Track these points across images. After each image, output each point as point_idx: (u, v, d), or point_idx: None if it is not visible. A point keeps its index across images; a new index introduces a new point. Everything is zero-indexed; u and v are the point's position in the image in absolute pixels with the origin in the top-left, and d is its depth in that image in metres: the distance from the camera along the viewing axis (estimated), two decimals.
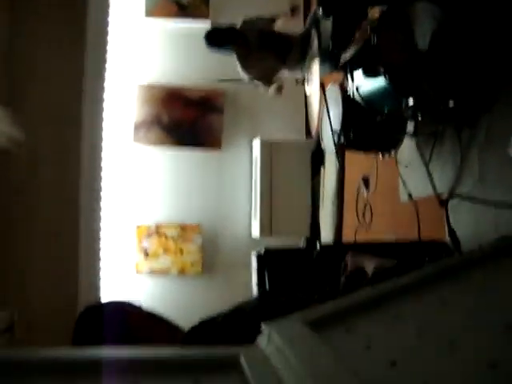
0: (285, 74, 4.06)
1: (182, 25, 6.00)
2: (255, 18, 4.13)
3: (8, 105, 4.87)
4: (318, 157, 5.21)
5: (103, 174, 5.42)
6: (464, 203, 2.51)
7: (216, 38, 3.96)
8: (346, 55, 3.02)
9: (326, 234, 4.67)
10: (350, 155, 4.34)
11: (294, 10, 4.18)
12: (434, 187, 2.84)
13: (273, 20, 4.17)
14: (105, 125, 5.47)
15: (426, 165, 2.92)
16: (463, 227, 2.40)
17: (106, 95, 5.49)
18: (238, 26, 4.04)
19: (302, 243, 4.97)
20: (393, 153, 3.28)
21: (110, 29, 5.56)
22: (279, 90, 4.07)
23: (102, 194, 5.39)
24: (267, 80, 4.00)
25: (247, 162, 5.91)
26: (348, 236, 4.32)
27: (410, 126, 3.13)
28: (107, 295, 5.25)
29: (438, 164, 2.89)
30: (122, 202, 5.69)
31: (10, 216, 5.04)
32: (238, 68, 4.01)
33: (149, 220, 5.69)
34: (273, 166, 5.41)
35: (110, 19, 5.58)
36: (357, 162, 4.18)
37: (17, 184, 5.15)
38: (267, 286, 2.73)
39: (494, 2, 2.51)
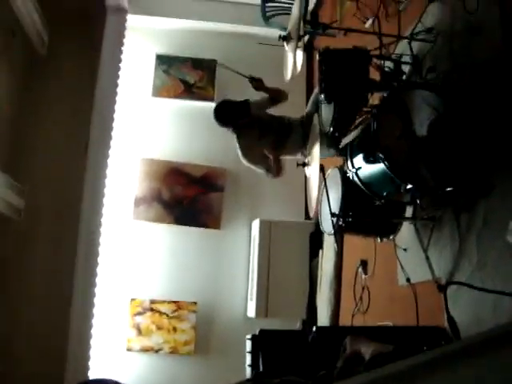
0: (285, 157, 4.13)
1: (188, 104, 6.19)
2: (257, 100, 4.24)
3: (10, 172, 4.94)
4: (316, 239, 5.23)
5: (101, 247, 5.42)
6: (463, 289, 2.50)
7: (229, 113, 4.01)
8: (346, 139, 3.10)
9: (323, 317, 4.61)
10: (348, 238, 4.36)
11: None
12: (432, 272, 2.83)
13: (270, 100, 4.24)
14: (105, 199, 5.53)
15: (425, 249, 2.93)
16: (462, 313, 2.37)
17: (108, 169, 5.58)
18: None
19: (298, 325, 4.91)
20: (391, 237, 3.30)
21: (116, 106, 5.74)
22: (279, 171, 4.12)
23: (98, 269, 5.37)
24: (267, 167, 4.06)
25: (245, 242, 5.91)
26: (345, 319, 4.26)
27: (409, 211, 3.17)
28: (96, 372, 5.11)
29: (437, 248, 2.90)
30: (119, 276, 5.63)
31: (2, 283, 4.99)
32: (239, 155, 4.09)
33: (143, 295, 5.62)
34: (271, 245, 5.40)
35: (118, 98, 5.78)
36: (355, 244, 4.19)
37: (13, 252, 5.13)
38: (261, 368, 2.67)
39: (490, 93, 2.60)
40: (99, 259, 5.39)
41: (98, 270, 5.38)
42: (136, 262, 5.72)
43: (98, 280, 5.35)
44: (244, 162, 4.08)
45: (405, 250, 3.27)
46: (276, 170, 4.04)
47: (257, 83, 4.14)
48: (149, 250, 5.78)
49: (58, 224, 5.40)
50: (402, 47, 3.60)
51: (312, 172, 3.17)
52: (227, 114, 3.99)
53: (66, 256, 5.25)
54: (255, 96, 4.20)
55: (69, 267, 5.20)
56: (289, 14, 4.57)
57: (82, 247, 5.31)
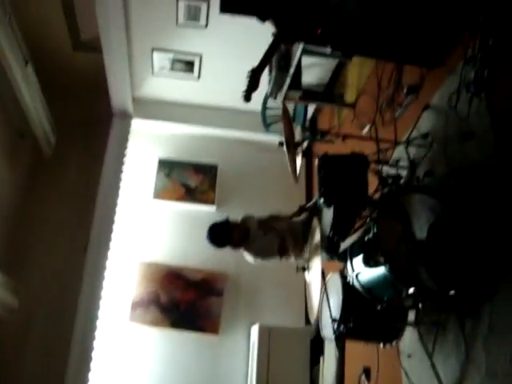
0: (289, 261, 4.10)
1: (188, 207, 6.25)
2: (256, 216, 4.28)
3: (6, 270, 4.91)
4: (317, 345, 5.08)
5: (96, 350, 5.27)
6: None
7: (219, 235, 4.04)
8: (346, 243, 3.09)
9: None
10: (350, 344, 4.21)
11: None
12: (439, 380, 2.72)
13: (274, 217, 4.31)
14: (102, 301, 5.45)
15: (430, 356, 2.83)
16: None
17: (106, 272, 5.55)
18: (240, 220, 4.18)
19: None
20: (394, 342, 3.20)
21: (117, 208, 5.81)
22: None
23: (89, 375, 5.20)
24: (274, 255, 4.03)
25: (244, 348, 5.73)
26: None
27: (411, 315, 3.10)
28: None
29: (442, 355, 2.80)
30: (112, 380, 5.41)
31: None
32: (246, 256, 4.07)
33: None
34: (271, 352, 5.23)
35: (119, 199, 5.86)
36: (357, 351, 4.05)
37: (2, 353, 4.99)
38: None
39: (488, 195, 2.63)
40: (92, 364, 5.21)
41: (90, 375, 5.19)
42: (131, 366, 5.51)
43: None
44: (261, 262, 4.05)
45: (409, 356, 3.16)
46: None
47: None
48: (145, 354, 5.59)
49: (52, 325, 5.30)
50: (399, 152, 3.68)
51: (312, 277, 3.14)
52: (217, 239, 4.02)
53: (57, 360, 5.09)
54: (257, 200, 4.25)
55: (60, 372, 5.03)
56: None
57: (75, 351, 5.16)
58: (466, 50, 2.99)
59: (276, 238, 4.01)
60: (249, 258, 4.06)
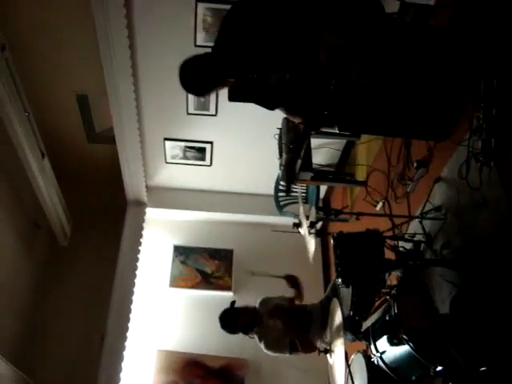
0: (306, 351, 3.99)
1: (205, 293, 6.18)
2: (275, 297, 4.23)
3: (19, 364, 4.82)
4: None
5: None
6: None
7: (226, 322, 3.99)
8: (368, 322, 3.02)
9: None
10: None
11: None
12: None
13: (292, 300, 4.26)
14: None
15: None
16: None
17: (124, 362, 5.43)
18: (257, 305, 4.13)
19: None
20: None
21: (134, 297, 5.76)
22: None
23: None
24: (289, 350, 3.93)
25: None
26: None
27: None
28: None
29: None
30: None
31: None
32: (262, 348, 3.99)
33: None
34: None
35: (135, 288, 5.83)
36: None
37: None
38: None
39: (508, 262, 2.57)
40: None
41: None
42: None
43: None
44: (269, 353, 3.95)
45: None
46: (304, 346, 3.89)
47: (292, 280, 4.18)
48: None
49: None
50: (413, 226, 3.66)
51: (335, 359, 3.04)
52: (227, 325, 3.99)
53: None
54: (274, 282, 4.20)
55: None
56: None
57: None
58: (471, 121, 3.03)
59: (287, 332, 3.92)
60: (262, 347, 3.98)
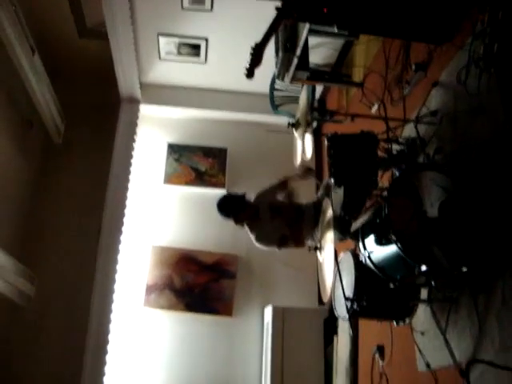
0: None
1: (199, 191, 6.27)
2: (268, 187, 4.29)
3: (21, 258, 4.98)
4: (330, 325, 5.11)
5: (111, 334, 5.34)
6: (487, 373, 2.40)
7: (229, 206, 4.08)
8: (358, 222, 3.10)
9: None
10: (363, 323, 4.26)
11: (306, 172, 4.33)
12: (452, 356, 2.73)
13: (284, 184, 4.31)
14: (116, 286, 5.51)
15: (443, 332, 2.85)
16: None
17: (120, 256, 5.60)
18: (253, 199, 4.20)
19: None
20: (407, 320, 3.22)
21: (129, 193, 5.84)
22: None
23: (107, 357, 5.27)
24: (277, 244, 4.04)
25: (258, 329, 5.77)
26: None
27: (424, 293, 3.11)
28: None
29: (456, 331, 2.81)
30: (129, 365, 5.49)
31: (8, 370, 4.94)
32: (254, 241, 4.10)
33: None
34: (284, 333, 5.27)
35: (130, 185, 5.90)
36: (371, 329, 4.08)
37: (20, 340, 5.08)
38: None
39: (499, 170, 2.62)
40: (108, 347, 5.28)
41: (108, 358, 5.26)
42: (146, 350, 5.58)
43: (107, 369, 5.22)
44: (259, 246, 4.08)
45: (422, 333, 3.18)
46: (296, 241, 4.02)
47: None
48: (159, 338, 5.65)
49: (68, 311, 5.38)
50: (408, 130, 3.67)
51: (325, 257, 3.15)
52: (227, 209, 4.05)
53: (74, 345, 5.18)
54: (267, 181, 4.25)
55: (78, 356, 5.11)
56: (297, 102, 4.71)
57: (91, 334, 5.23)
58: (474, 25, 2.97)
59: (281, 227, 4.01)
60: (251, 237, 4.09)
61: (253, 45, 3.33)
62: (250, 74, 3.35)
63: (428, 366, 3.05)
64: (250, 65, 3.26)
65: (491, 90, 2.79)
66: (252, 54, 3.25)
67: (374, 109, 4.44)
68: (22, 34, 4.73)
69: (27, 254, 5.35)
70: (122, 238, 5.71)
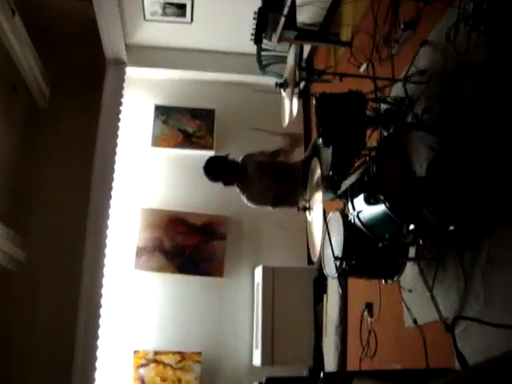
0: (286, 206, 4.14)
1: (187, 153, 6.26)
2: (257, 152, 4.32)
3: (11, 224, 4.96)
4: (320, 284, 5.19)
5: (103, 298, 5.38)
6: (472, 328, 2.46)
7: (214, 168, 4.10)
8: (346, 182, 3.12)
9: (330, 363, 4.52)
10: (352, 281, 4.33)
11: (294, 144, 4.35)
12: (438, 312, 2.80)
13: (274, 153, 4.35)
14: (107, 249, 5.53)
15: (430, 289, 2.91)
16: (472, 352, 2.33)
17: (109, 220, 5.60)
18: (240, 159, 4.21)
19: (305, 372, 4.81)
20: (395, 278, 3.27)
21: (116, 157, 5.80)
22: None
23: (100, 321, 5.32)
24: (272, 203, 4.07)
25: (249, 289, 5.86)
26: (352, 364, 4.18)
27: (412, 251, 3.16)
28: None
29: (442, 288, 2.87)
30: (121, 328, 5.56)
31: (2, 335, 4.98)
32: (244, 199, 4.12)
33: (147, 346, 5.53)
34: (275, 292, 5.36)
35: (117, 148, 5.85)
36: (359, 288, 4.15)
37: (13, 304, 5.12)
38: None
39: (485, 129, 2.63)
40: (101, 310, 5.33)
41: (101, 321, 5.32)
42: (139, 312, 5.65)
43: (100, 332, 5.29)
44: (251, 205, 4.10)
45: (410, 291, 3.24)
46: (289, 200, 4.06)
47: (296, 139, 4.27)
48: (151, 300, 5.72)
49: (60, 276, 5.39)
50: (396, 89, 3.66)
51: (314, 217, 3.17)
52: (211, 171, 4.10)
53: (67, 308, 5.22)
54: (256, 142, 4.26)
55: (71, 319, 5.16)
56: (284, 62, 4.67)
57: (84, 299, 5.28)
58: None
59: (273, 186, 4.04)
60: (242, 197, 4.12)
61: (256, 10, 3.21)
62: (257, 39, 3.22)
63: (415, 322, 3.13)
64: (256, 30, 3.14)
65: (480, 48, 2.78)
66: (256, 19, 3.12)
67: (363, 68, 4.41)
68: None
69: (16, 220, 5.32)
70: (112, 202, 5.70)
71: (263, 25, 3.15)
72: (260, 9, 3.05)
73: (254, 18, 3.26)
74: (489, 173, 2.54)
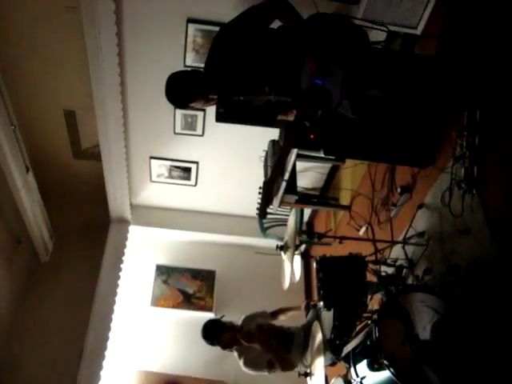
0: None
1: (186, 314, 6.13)
2: (257, 312, 4.27)
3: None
4: None
5: None
6: None
7: (210, 332, 4.07)
8: (349, 347, 3.01)
9: None
10: None
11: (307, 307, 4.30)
12: None
13: (274, 314, 4.30)
14: None
15: None
16: None
17: (101, 382, 5.35)
18: (240, 323, 4.14)
19: None
20: None
21: (114, 315, 5.69)
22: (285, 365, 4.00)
23: None
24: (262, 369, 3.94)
25: None
26: None
27: None
28: None
29: None
30: None
31: None
32: (242, 366, 4.00)
33: None
34: None
35: (116, 306, 5.76)
36: None
37: None
38: None
39: (489, 291, 2.59)
40: None
41: None
42: None
43: None
44: (248, 371, 3.97)
45: None
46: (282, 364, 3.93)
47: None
48: None
49: None
50: (396, 252, 3.68)
51: (315, 382, 3.03)
52: (207, 335, 4.07)
53: None
54: (253, 304, 4.21)
55: None
56: (285, 225, 4.76)
57: None
58: (454, 149, 3.08)
59: (265, 352, 3.96)
60: (239, 362, 3.99)
61: (262, 183, 3.24)
62: (262, 214, 3.17)
63: None
64: (261, 205, 3.15)
65: (474, 210, 2.85)
66: (262, 193, 3.15)
67: (362, 231, 4.48)
68: (18, 151, 4.86)
69: (4, 375, 5.09)
70: (105, 363, 5.47)
71: (268, 199, 3.15)
72: (265, 182, 3.08)
73: (259, 192, 3.33)
74: (495, 333, 2.46)
